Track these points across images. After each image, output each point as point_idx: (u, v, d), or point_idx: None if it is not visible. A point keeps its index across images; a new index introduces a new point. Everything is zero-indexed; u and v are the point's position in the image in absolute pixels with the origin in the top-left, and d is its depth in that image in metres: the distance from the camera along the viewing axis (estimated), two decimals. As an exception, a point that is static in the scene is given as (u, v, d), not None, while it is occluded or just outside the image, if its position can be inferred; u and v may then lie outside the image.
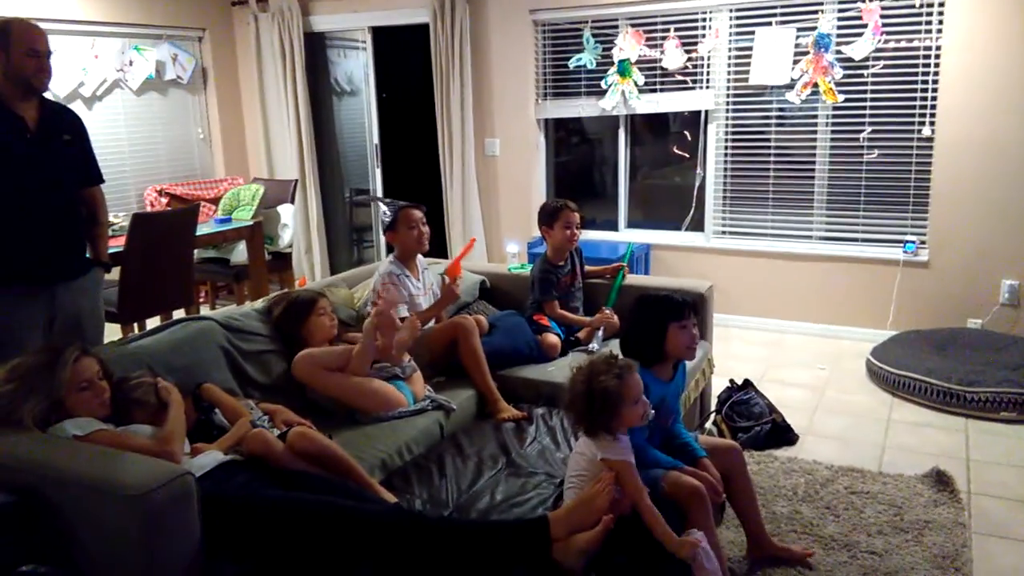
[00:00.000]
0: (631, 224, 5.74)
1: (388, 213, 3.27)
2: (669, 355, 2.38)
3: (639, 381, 2.09)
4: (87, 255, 3.08)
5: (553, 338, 3.41)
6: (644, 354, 2.36)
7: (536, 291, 3.59)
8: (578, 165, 6.19)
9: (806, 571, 2.56)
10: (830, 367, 4.53)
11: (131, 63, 5.85)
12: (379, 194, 6.52)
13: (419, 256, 3.37)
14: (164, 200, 5.87)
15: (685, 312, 2.36)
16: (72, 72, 5.49)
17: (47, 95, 2.88)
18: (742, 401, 3.62)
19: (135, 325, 4.48)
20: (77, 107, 5.53)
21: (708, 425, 3.67)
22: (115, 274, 4.20)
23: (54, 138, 2.87)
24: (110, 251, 4.09)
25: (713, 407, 3.74)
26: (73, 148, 2.94)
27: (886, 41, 4.58)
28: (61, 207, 2.92)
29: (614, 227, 5.75)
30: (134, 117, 5.99)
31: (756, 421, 3.54)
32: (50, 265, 2.89)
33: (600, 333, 3.49)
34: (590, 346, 3.44)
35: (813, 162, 4.97)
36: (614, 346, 3.32)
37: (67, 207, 2.95)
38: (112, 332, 4.09)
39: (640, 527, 2.02)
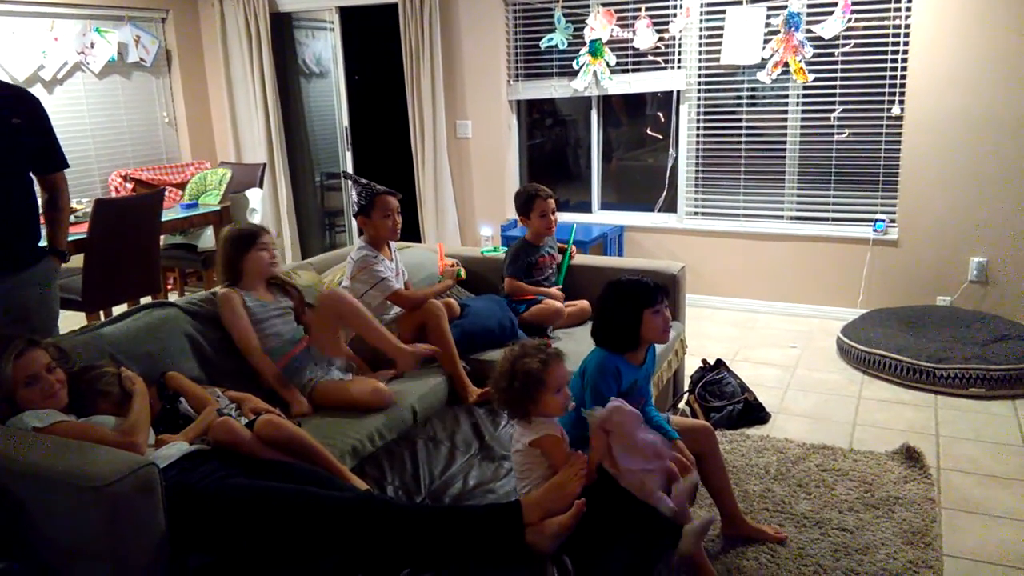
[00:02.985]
0: (604, 206, 5.72)
1: (363, 195, 3.18)
2: (644, 341, 2.37)
3: (565, 372, 2.11)
4: (41, 243, 2.92)
5: (551, 303, 3.45)
6: (619, 342, 2.34)
7: (506, 266, 3.61)
8: (552, 147, 6.16)
9: (778, 549, 2.57)
10: (801, 346, 4.56)
11: (92, 45, 5.71)
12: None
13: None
14: (129, 185, 5.76)
15: (658, 297, 2.35)
16: (31, 55, 5.34)
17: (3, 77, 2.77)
18: (714, 381, 3.64)
19: (101, 313, 4.40)
20: (37, 91, 5.37)
21: (681, 406, 3.68)
22: (78, 261, 4.11)
23: (2, 121, 2.70)
24: (73, 238, 4.02)
25: (686, 388, 3.76)
26: (25, 132, 2.77)
27: (856, 20, 4.58)
28: (8, 193, 2.75)
29: (587, 209, 5.73)
30: (97, 101, 5.85)
31: (728, 401, 3.55)
32: None
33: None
34: (548, 328, 3.42)
35: (784, 142, 4.98)
36: (581, 332, 3.34)
37: (17, 193, 2.78)
38: (77, 320, 4.02)
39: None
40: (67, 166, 2.94)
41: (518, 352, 2.11)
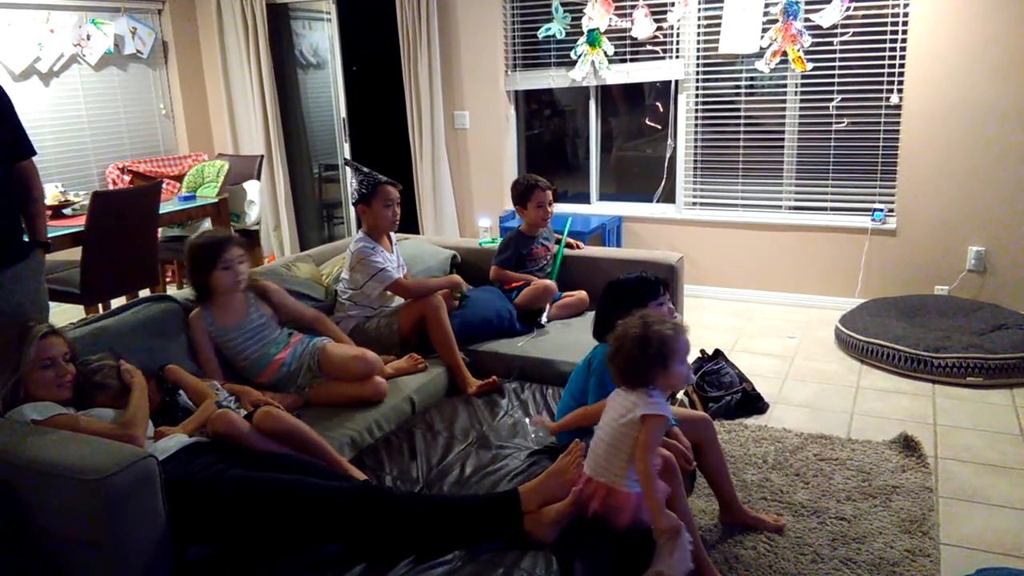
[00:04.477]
0: (603, 196, 5.71)
1: (364, 184, 3.16)
2: None
3: (689, 343, 2.02)
4: (24, 237, 2.77)
5: (539, 282, 3.45)
6: None
7: (495, 255, 3.62)
8: (550, 137, 6.15)
9: (776, 538, 2.58)
10: (800, 336, 4.56)
11: (88, 37, 5.68)
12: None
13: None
14: (127, 178, 5.75)
15: (660, 290, 2.37)
16: (27, 48, 5.32)
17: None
18: (713, 371, 3.64)
19: (100, 306, 4.39)
20: (33, 84, 5.40)
21: (679, 396, 3.68)
22: (76, 254, 4.12)
23: None
24: (70, 231, 4.03)
25: (685, 378, 3.75)
26: None
27: (855, 8, 4.57)
28: None
29: (586, 199, 5.73)
30: (93, 93, 5.83)
31: (727, 391, 3.56)
32: None
33: (549, 306, 3.48)
34: (541, 318, 3.42)
35: (782, 132, 4.97)
36: (580, 323, 3.34)
37: None
38: (75, 313, 4.02)
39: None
40: (34, 153, 2.75)
41: (644, 320, 1.97)
